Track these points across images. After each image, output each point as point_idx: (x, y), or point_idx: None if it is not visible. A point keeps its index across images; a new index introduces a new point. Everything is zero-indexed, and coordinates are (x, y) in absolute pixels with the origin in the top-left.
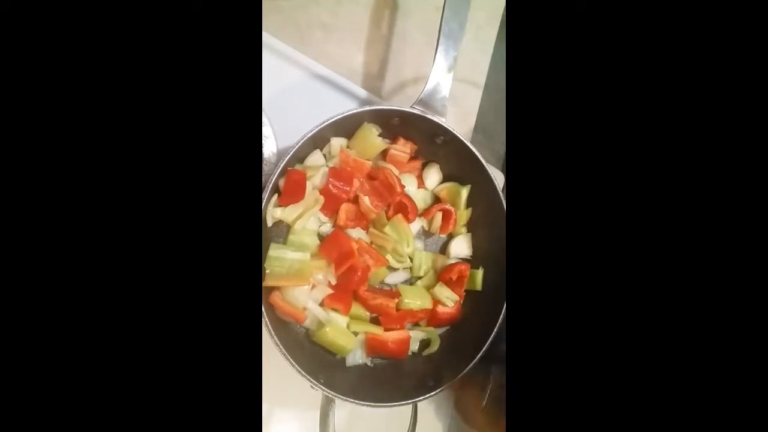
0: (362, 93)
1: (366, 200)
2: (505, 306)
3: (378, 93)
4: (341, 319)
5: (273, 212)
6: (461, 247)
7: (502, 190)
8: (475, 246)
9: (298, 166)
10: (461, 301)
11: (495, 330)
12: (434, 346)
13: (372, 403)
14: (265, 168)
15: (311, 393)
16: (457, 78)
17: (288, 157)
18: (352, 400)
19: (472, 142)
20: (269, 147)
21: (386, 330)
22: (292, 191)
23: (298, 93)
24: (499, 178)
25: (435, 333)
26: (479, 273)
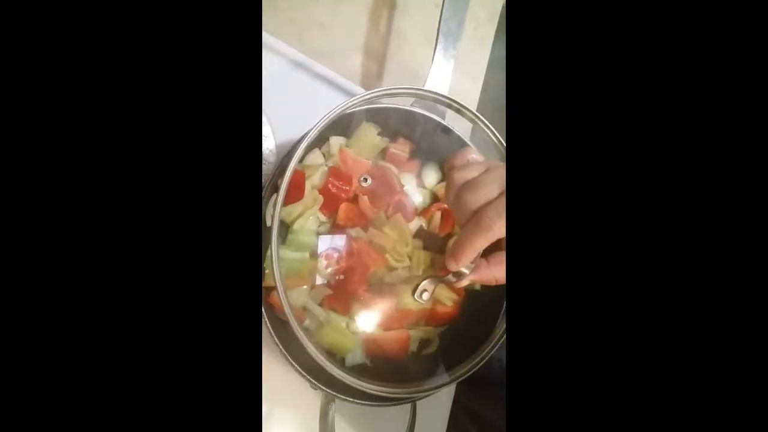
0: (362, 92)
1: (365, 200)
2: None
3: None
4: (340, 320)
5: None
6: None
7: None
8: None
9: (296, 166)
10: (461, 300)
11: (495, 328)
12: (433, 346)
13: (371, 403)
14: (264, 167)
15: (311, 393)
16: (456, 77)
17: (292, 159)
18: (351, 400)
19: (471, 141)
20: (268, 146)
21: (385, 330)
22: (291, 191)
23: (297, 92)
24: None
25: (434, 333)
26: None
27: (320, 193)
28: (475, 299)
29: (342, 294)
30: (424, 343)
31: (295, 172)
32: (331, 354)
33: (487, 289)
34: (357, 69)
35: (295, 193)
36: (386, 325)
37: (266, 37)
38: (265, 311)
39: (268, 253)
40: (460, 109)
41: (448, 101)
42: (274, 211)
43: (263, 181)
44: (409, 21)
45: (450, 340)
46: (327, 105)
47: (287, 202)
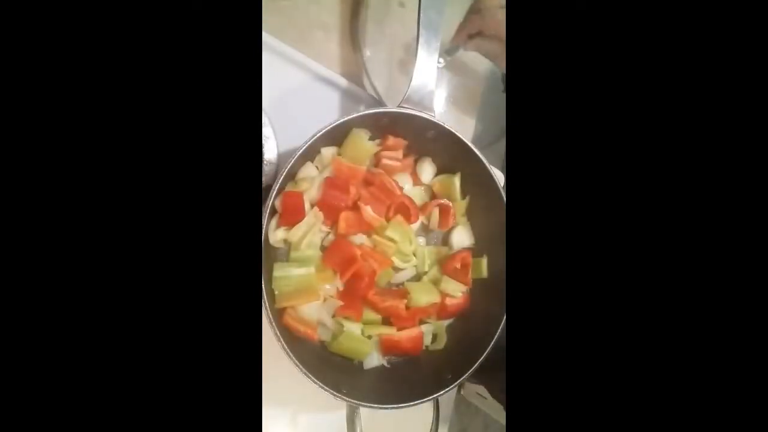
0: (362, 93)
1: (369, 210)
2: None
3: (380, 93)
4: (354, 326)
5: (274, 235)
6: (463, 237)
7: (502, 188)
8: (476, 234)
9: (290, 185)
10: (469, 290)
11: (505, 315)
12: (441, 342)
13: (394, 405)
14: (266, 168)
15: (325, 398)
16: (457, 78)
17: (282, 176)
18: (376, 406)
19: (472, 142)
20: (270, 147)
21: (399, 329)
22: (290, 214)
23: (298, 93)
24: (499, 178)
25: (442, 327)
26: (483, 261)
27: (318, 206)
28: (483, 286)
29: (353, 301)
30: (434, 337)
31: (292, 195)
32: (350, 359)
33: (494, 276)
34: (359, 69)
35: (296, 215)
36: (399, 325)
37: (267, 38)
38: (280, 333)
39: (275, 274)
40: None
41: None
42: None
43: (264, 182)
44: (411, 20)
45: (457, 333)
46: (329, 106)
47: (289, 224)
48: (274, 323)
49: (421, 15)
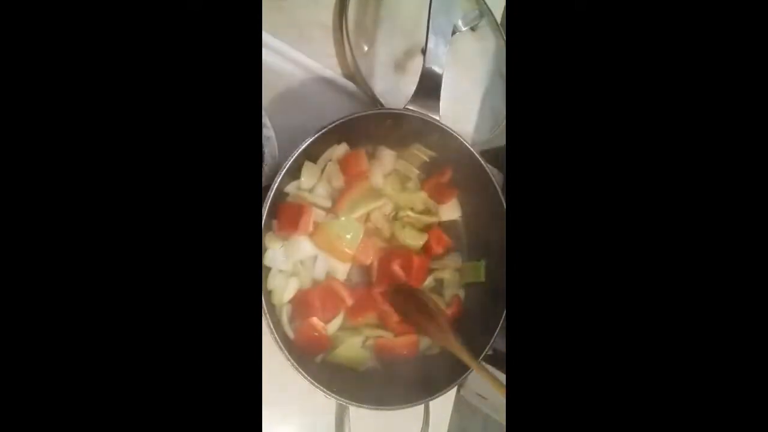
0: (363, 93)
1: None
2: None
3: (380, 93)
4: (357, 339)
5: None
6: (451, 211)
7: (502, 189)
8: (475, 239)
9: (291, 185)
10: (462, 299)
11: (501, 320)
12: (436, 347)
13: (385, 407)
14: (266, 168)
15: (316, 399)
16: (457, 78)
17: (281, 174)
18: (366, 406)
19: (472, 143)
20: (270, 147)
21: (396, 336)
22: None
23: (298, 93)
24: (499, 178)
25: None
26: (482, 264)
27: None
28: (479, 292)
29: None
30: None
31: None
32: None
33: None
34: (359, 69)
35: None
36: (397, 331)
37: (267, 38)
38: (273, 326)
39: None
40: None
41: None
42: None
43: (264, 183)
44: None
45: (458, 335)
46: (329, 106)
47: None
48: (269, 321)
49: (431, 21)
